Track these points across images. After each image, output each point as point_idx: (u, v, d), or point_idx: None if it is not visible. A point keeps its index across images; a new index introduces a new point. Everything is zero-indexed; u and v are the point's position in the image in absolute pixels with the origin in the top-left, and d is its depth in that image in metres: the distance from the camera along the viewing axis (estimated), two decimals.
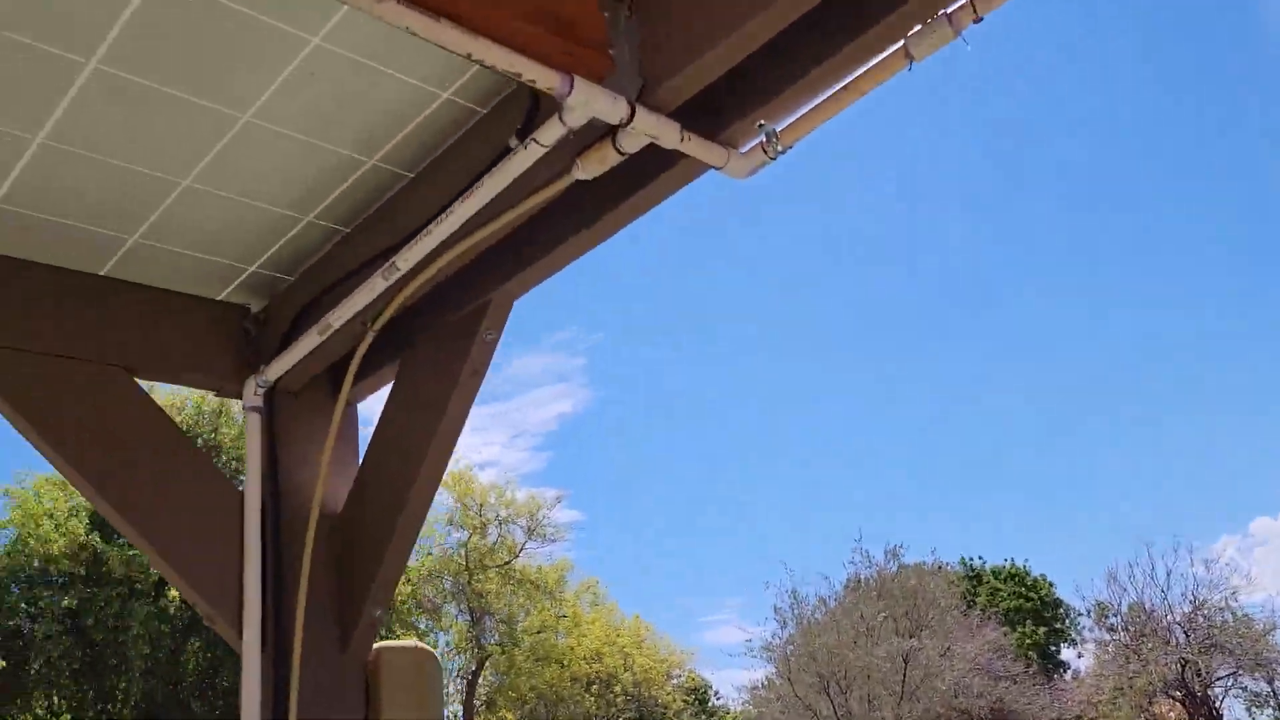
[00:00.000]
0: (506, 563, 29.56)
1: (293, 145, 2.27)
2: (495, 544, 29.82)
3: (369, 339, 2.56)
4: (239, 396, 2.77)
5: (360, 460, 2.84)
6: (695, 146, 1.93)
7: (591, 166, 1.96)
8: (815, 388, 58.19)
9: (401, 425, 2.66)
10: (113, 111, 2.09)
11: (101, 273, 2.58)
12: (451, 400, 2.52)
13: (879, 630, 23.82)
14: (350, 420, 2.92)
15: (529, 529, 30.14)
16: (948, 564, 29.71)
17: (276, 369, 2.65)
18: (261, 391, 2.70)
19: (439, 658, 2.79)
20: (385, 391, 2.90)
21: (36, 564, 21.00)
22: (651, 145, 1.93)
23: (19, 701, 20.57)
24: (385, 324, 2.59)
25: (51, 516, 21.19)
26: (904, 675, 22.94)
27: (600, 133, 1.92)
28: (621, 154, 1.92)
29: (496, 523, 29.97)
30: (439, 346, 2.59)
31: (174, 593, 22.24)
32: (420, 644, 2.78)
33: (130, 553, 20.89)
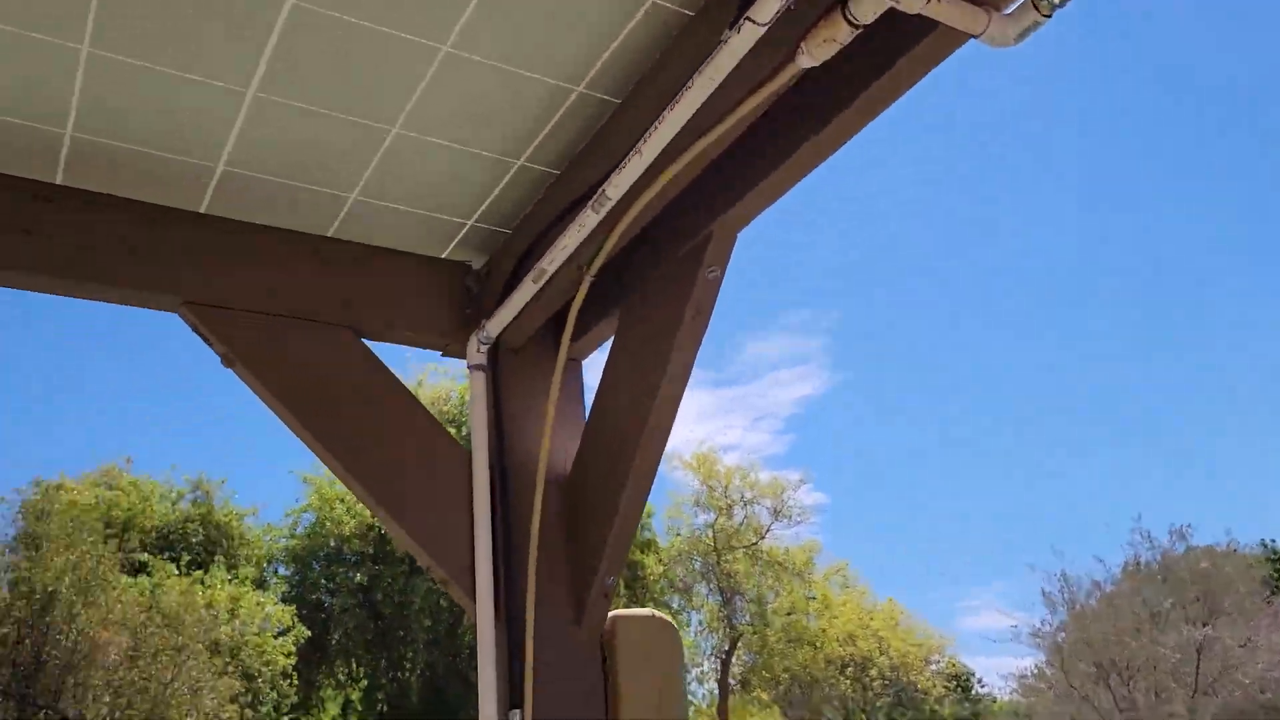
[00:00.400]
0: (753, 544, 29.48)
1: (496, 78, 2.13)
2: (741, 525, 29.83)
3: (586, 285, 2.39)
4: (461, 357, 2.70)
5: (586, 418, 2.70)
6: (946, 8, 1.58)
7: (819, 48, 1.66)
8: (1072, 356, 53.79)
9: (624, 378, 2.48)
10: (317, 53, 2.03)
11: (328, 234, 2.58)
12: (675, 346, 2.30)
13: (1165, 617, 21.56)
14: (574, 376, 2.79)
15: (774, 510, 29.94)
16: (1245, 545, 26.46)
17: (497, 324, 2.54)
18: (484, 349, 2.61)
19: (675, 626, 2.59)
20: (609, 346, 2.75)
21: (332, 544, 23.23)
22: (891, 13, 1.60)
23: (324, 667, 22.88)
24: (603, 270, 2.41)
25: (343, 500, 23.34)
26: (1197, 667, 20.63)
27: (828, 3, 1.62)
28: (854, 25, 1.60)
29: (742, 504, 29.98)
30: (659, 290, 2.38)
31: None
32: (658, 613, 2.59)
33: None
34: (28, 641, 13.68)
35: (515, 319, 2.54)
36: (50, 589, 13.83)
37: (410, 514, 2.43)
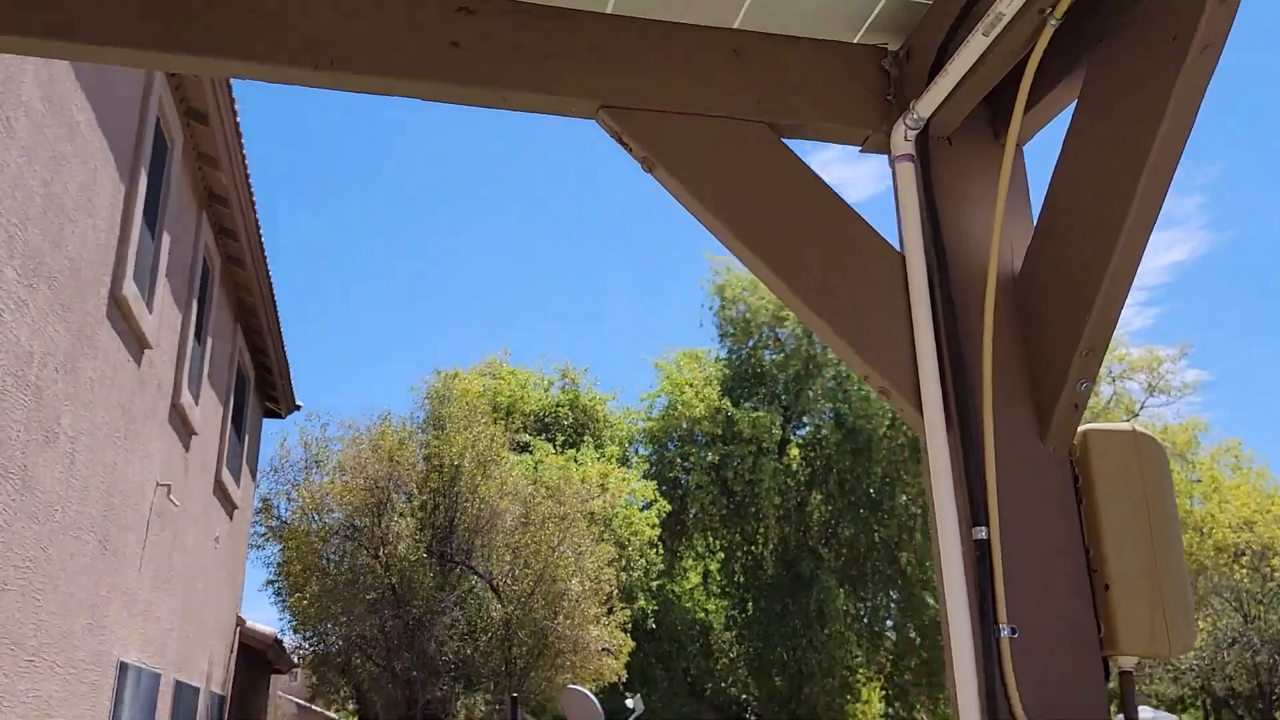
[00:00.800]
0: (1125, 421, 26.93)
1: None
2: (1110, 403, 27.35)
3: (1048, 32, 1.99)
4: (882, 149, 2.41)
5: (1036, 209, 2.32)
6: None
7: None
8: None
9: (1097, 147, 2.06)
10: None
11: (734, 25, 2.37)
12: (1174, 92, 1.85)
13: None
14: (1018, 160, 2.40)
15: (1149, 386, 27.09)
16: None
17: (929, 103, 2.22)
18: (913, 135, 2.30)
19: (1160, 442, 2.19)
20: (1053, 131, 2.33)
21: (684, 425, 24.36)
22: None
23: (684, 540, 24.35)
24: (1069, 13, 2.00)
25: (691, 385, 24.33)
26: None
27: None
28: None
29: (1110, 379, 27.44)
30: (1149, 23, 1.92)
31: (794, 450, 24.26)
32: (1139, 428, 2.21)
33: (754, 415, 23.16)
34: (442, 508, 15.74)
35: (949, 96, 2.20)
36: (456, 464, 15.73)
37: (844, 318, 2.22)
